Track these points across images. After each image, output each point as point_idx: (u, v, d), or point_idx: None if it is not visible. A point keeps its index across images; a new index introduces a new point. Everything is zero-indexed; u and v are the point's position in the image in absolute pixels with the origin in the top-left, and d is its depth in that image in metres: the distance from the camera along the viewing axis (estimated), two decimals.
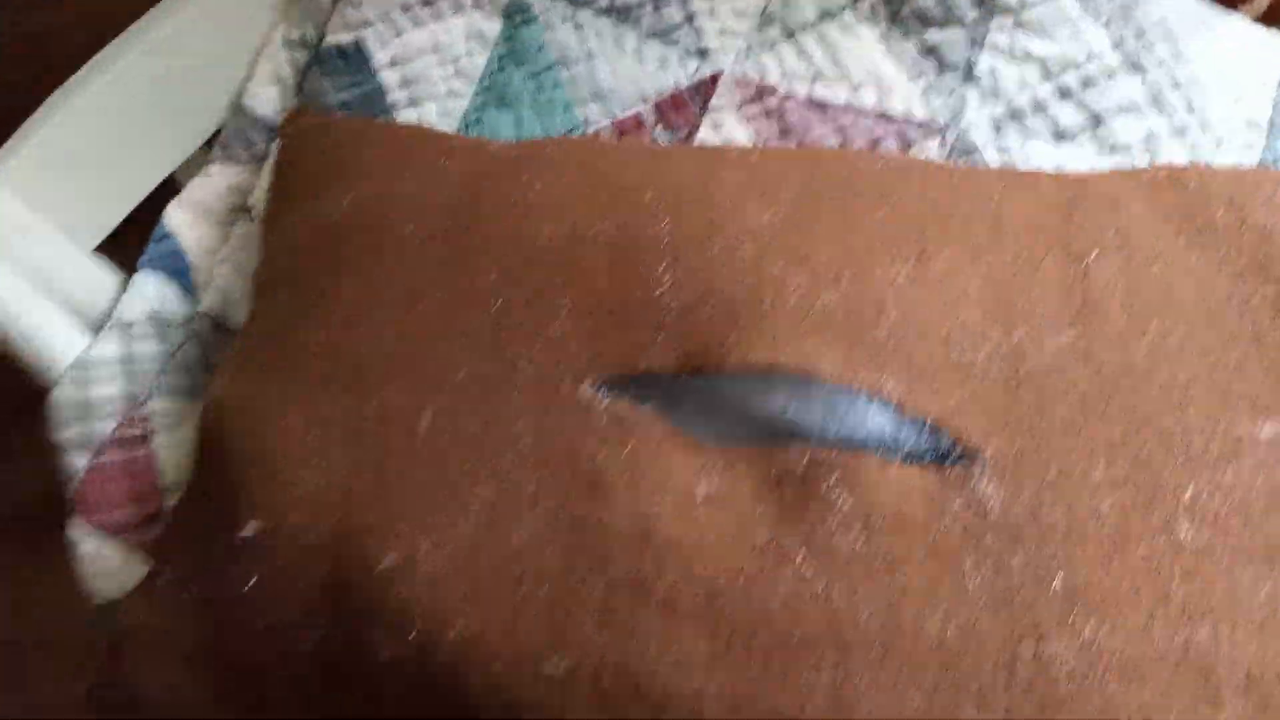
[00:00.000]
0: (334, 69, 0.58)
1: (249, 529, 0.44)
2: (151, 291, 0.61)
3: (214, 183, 0.62)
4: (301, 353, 0.46)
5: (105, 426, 0.58)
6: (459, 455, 0.42)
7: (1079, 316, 0.39)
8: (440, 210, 0.46)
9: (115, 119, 0.60)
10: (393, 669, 0.41)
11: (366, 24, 0.58)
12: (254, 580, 0.44)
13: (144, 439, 0.58)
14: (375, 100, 0.58)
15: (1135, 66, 0.51)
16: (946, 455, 0.38)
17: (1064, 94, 0.51)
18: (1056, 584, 0.36)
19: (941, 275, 0.40)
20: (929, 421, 0.38)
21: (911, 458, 0.38)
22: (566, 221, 0.44)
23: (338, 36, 0.58)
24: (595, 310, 0.42)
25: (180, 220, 0.62)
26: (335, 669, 0.42)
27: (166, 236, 0.62)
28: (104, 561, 0.57)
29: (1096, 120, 0.51)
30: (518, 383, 0.42)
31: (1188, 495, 0.37)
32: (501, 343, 0.43)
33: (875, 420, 0.38)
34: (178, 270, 0.62)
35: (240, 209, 0.62)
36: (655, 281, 0.41)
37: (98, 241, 0.62)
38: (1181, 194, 0.42)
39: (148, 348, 0.60)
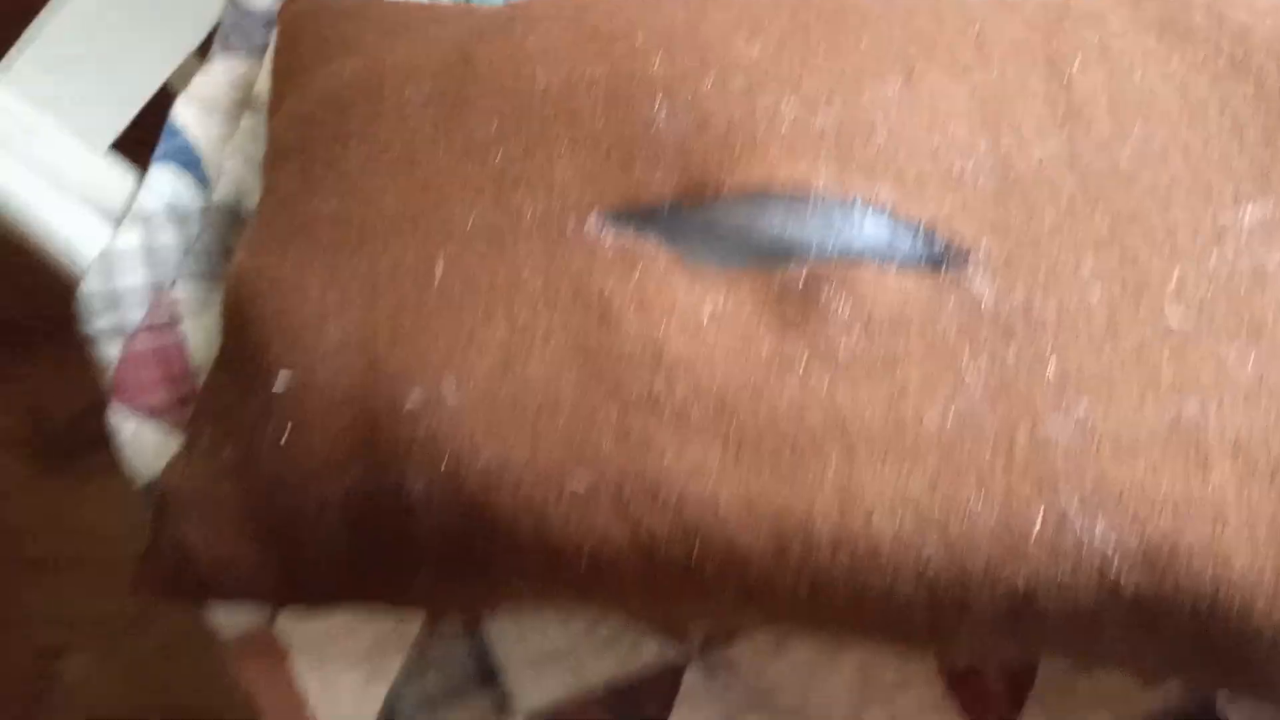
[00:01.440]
0: None
1: (279, 385, 0.45)
2: (166, 185, 0.62)
3: (217, 77, 0.63)
4: (313, 220, 0.47)
5: (134, 315, 0.60)
6: (472, 300, 0.43)
7: (1064, 125, 0.40)
8: (435, 73, 0.47)
9: (116, 18, 0.60)
10: (425, 502, 0.43)
11: None
12: (287, 434, 0.45)
13: (172, 324, 0.60)
14: None
15: None
16: (940, 257, 0.39)
17: None
18: (1050, 371, 0.38)
19: (928, 94, 0.41)
20: (922, 225, 0.39)
21: (907, 262, 0.39)
22: (560, 69, 0.44)
23: None
24: (594, 151, 0.43)
25: (188, 115, 0.63)
26: (371, 509, 0.44)
27: (176, 132, 0.63)
28: (143, 443, 0.58)
29: None
30: (524, 227, 0.43)
31: (1173, 283, 0.38)
32: (505, 191, 0.44)
33: (870, 227, 0.39)
34: (190, 163, 0.63)
35: (245, 101, 0.63)
36: (650, 118, 0.42)
37: (109, 141, 0.63)
38: (1161, 3, 0.43)
39: (168, 238, 0.61)
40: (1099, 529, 0.36)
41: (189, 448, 0.49)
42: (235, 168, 0.62)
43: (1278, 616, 0.37)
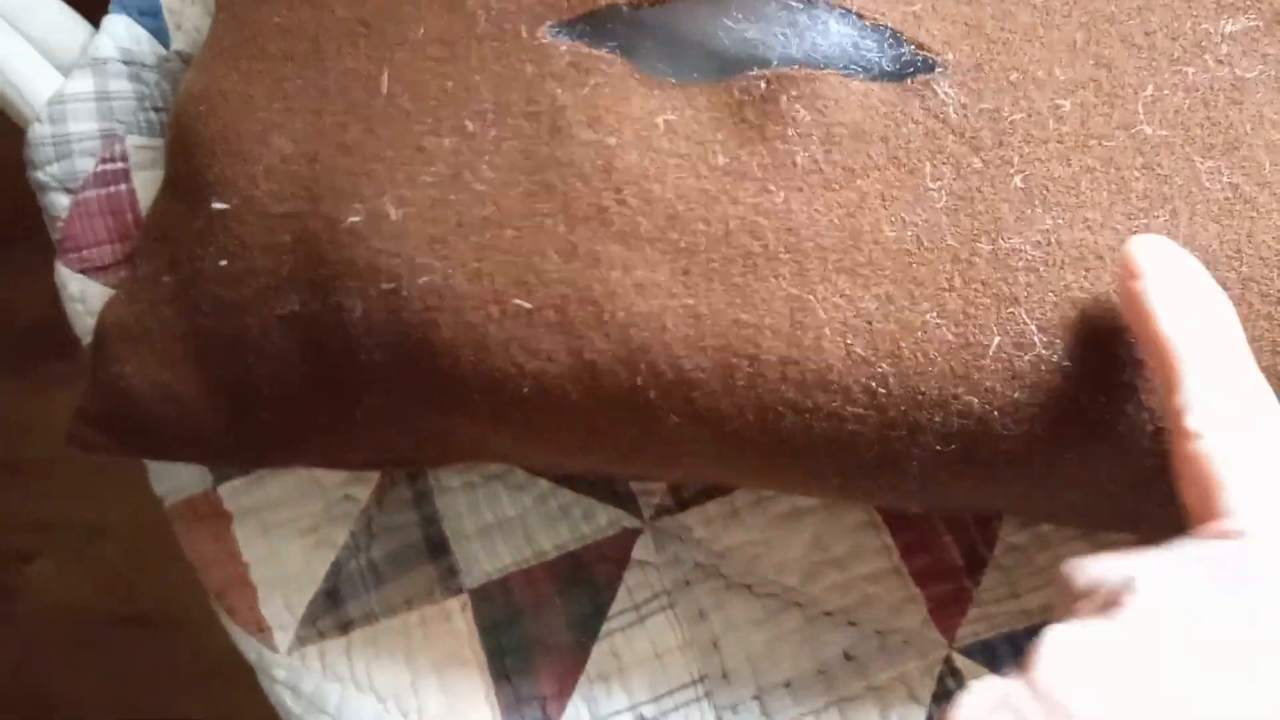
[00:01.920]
0: None
1: (220, 203, 0.43)
2: (123, 31, 0.60)
3: None
4: (261, 34, 0.45)
5: (85, 164, 0.58)
6: (420, 111, 0.41)
7: None
8: None
9: None
10: (365, 325, 0.41)
11: None
12: (227, 255, 0.43)
13: (123, 174, 0.58)
14: None
15: None
16: (907, 64, 0.37)
17: None
18: (1017, 181, 0.36)
19: None
20: (889, 29, 0.37)
21: (872, 68, 0.37)
22: None
23: None
24: None
25: None
26: (313, 332, 0.43)
27: None
28: (91, 301, 0.57)
29: None
30: (476, 34, 0.41)
31: (1149, 92, 0.36)
32: None
33: (837, 31, 0.37)
34: (149, 11, 0.61)
35: None
36: None
37: None
38: None
39: (122, 85, 0.59)
40: (1059, 346, 0.35)
41: (129, 279, 0.48)
42: (196, 18, 0.60)
43: None
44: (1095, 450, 0.36)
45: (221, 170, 0.44)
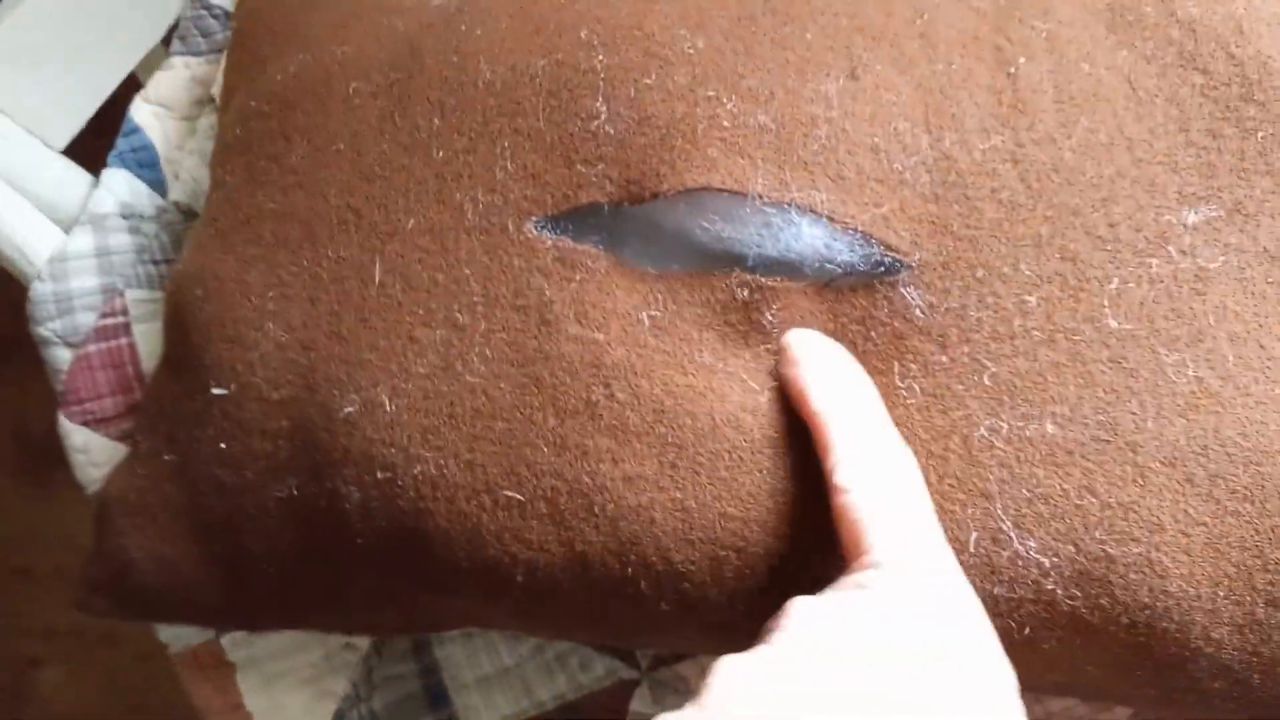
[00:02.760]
0: None
1: (218, 388, 0.45)
2: (122, 185, 0.62)
3: (177, 75, 0.63)
4: (256, 218, 0.47)
5: (86, 319, 0.60)
6: (411, 302, 0.43)
7: (1008, 120, 0.40)
8: (382, 66, 0.47)
9: (74, 15, 0.61)
10: (361, 511, 0.43)
11: None
12: (225, 438, 0.45)
13: (124, 328, 0.60)
14: None
15: None
16: (876, 265, 0.39)
17: None
18: (985, 378, 0.38)
19: (871, 89, 0.41)
20: (859, 232, 0.39)
21: (844, 267, 0.39)
22: (504, 63, 0.45)
23: None
24: (536, 148, 0.43)
25: (146, 113, 0.63)
26: (309, 515, 0.44)
27: (135, 130, 0.63)
28: (93, 452, 0.59)
29: None
30: (465, 227, 0.43)
31: (1114, 285, 0.38)
32: (447, 189, 0.44)
33: (808, 234, 0.39)
34: (147, 163, 0.63)
35: (204, 100, 0.63)
36: (592, 114, 0.42)
37: (66, 140, 0.63)
38: None
39: (122, 240, 0.62)
40: (1034, 543, 0.36)
41: (132, 453, 0.50)
42: (193, 168, 0.62)
43: (1217, 635, 0.37)
44: (1073, 640, 0.37)
45: (218, 355, 0.45)
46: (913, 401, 0.38)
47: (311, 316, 0.44)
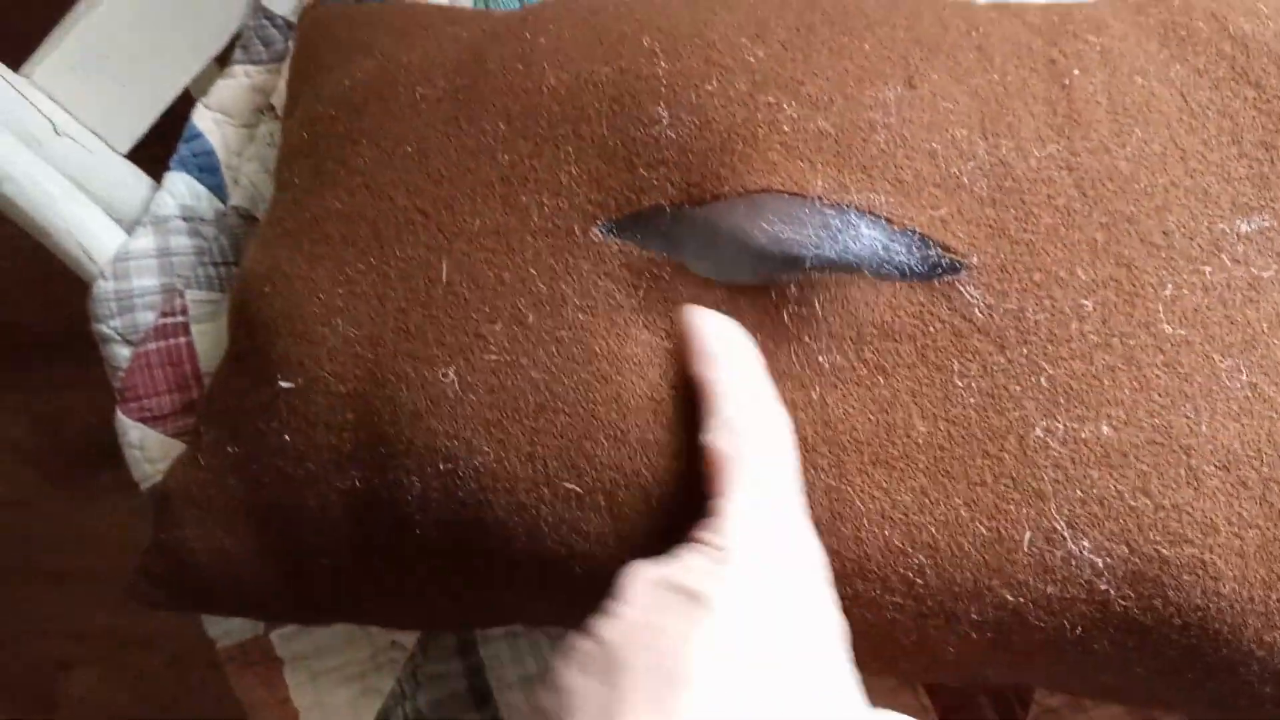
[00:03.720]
0: None
1: (285, 382, 0.47)
2: (184, 189, 0.65)
3: (238, 83, 0.66)
4: (323, 218, 0.49)
5: (146, 317, 0.62)
6: (478, 300, 0.45)
7: (1063, 129, 0.41)
8: (448, 72, 0.49)
9: (141, 21, 0.63)
10: (423, 500, 0.44)
11: None
12: (290, 430, 0.47)
13: (183, 328, 0.62)
14: None
15: None
16: (935, 266, 0.40)
17: None
18: (1042, 380, 0.39)
19: (929, 97, 0.42)
20: (917, 233, 0.40)
21: (903, 269, 0.40)
22: (569, 70, 0.46)
23: None
24: (600, 152, 0.45)
25: (208, 120, 0.65)
26: (370, 507, 0.46)
27: (196, 136, 0.65)
28: (149, 448, 0.61)
29: None
30: (530, 229, 0.45)
31: (1168, 291, 0.39)
32: (513, 192, 0.46)
33: (867, 235, 0.40)
34: (208, 168, 0.65)
35: (264, 108, 0.65)
36: (654, 119, 0.44)
37: (131, 144, 0.65)
38: (1165, 10, 0.44)
39: (182, 242, 0.64)
40: (1087, 543, 0.37)
41: (193, 446, 0.51)
42: (252, 174, 0.64)
43: (1270, 638, 0.37)
44: (1125, 641, 0.38)
45: (286, 350, 0.47)
46: (971, 400, 0.39)
47: (379, 313, 0.46)
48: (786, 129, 0.42)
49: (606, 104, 0.46)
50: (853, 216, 0.40)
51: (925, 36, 0.45)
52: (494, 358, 0.43)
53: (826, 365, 0.40)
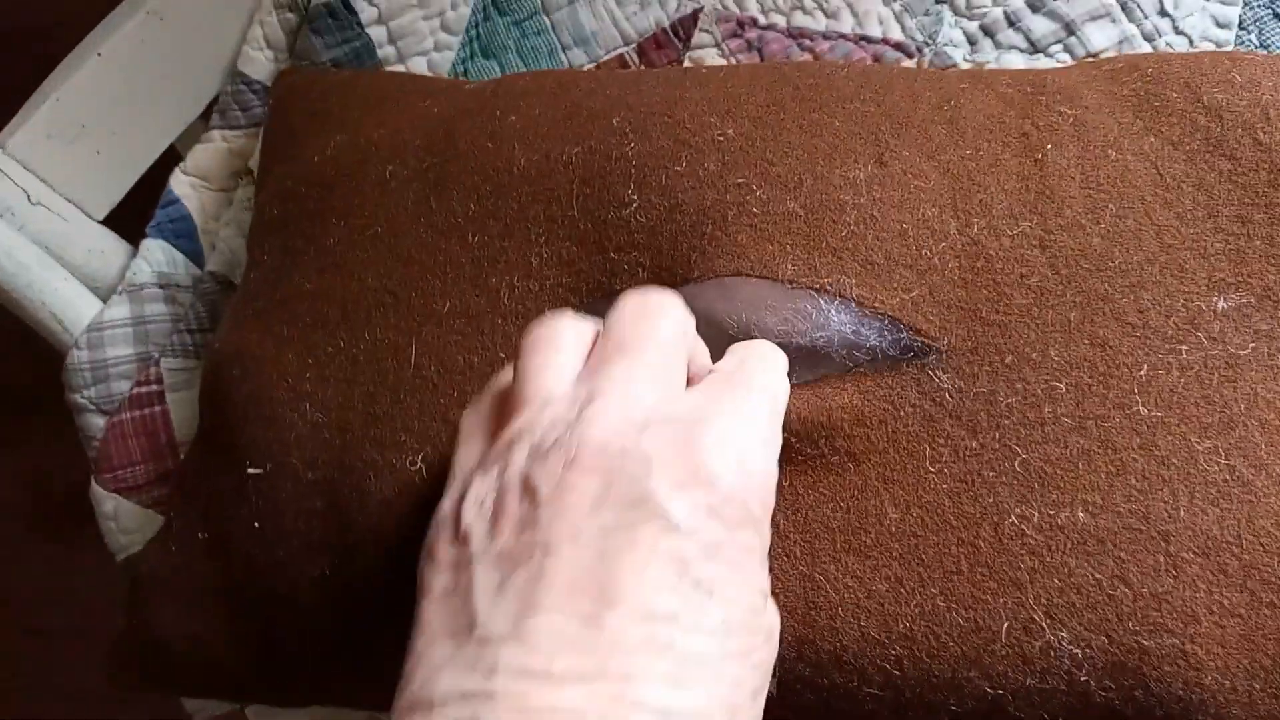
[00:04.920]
0: (323, 27, 0.62)
1: (254, 468, 0.47)
2: (160, 255, 0.65)
3: (215, 148, 0.66)
4: (293, 298, 0.49)
5: (121, 386, 0.62)
6: (446, 384, 0.45)
7: (1036, 206, 0.41)
8: (419, 150, 0.49)
9: (117, 89, 0.64)
10: (393, 592, 0.44)
11: None
12: (260, 517, 0.47)
13: (158, 396, 0.62)
14: (365, 56, 0.62)
15: None
16: (905, 350, 0.40)
17: (1035, 5, 0.53)
18: (1016, 464, 0.39)
19: (899, 175, 0.42)
20: (888, 318, 0.40)
21: (873, 354, 0.40)
22: (539, 150, 0.47)
23: None
24: (570, 235, 0.45)
25: (185, 185, 0.66)
26: (341, 595, 0.46)
27: (173, 201, 0.66)
28: (124, 519, 0.61)
29: (1069, 29, 0.53)
30: (500, 311, 0.45)
31: (1144, 372, 0.39)
32: (484, 272, 0.46)
33: (836, 320, 0.40)
34: (185, 234, 0.66)
35: (242, 173, 0.66)
36: (624, 201, 0.44)
37: (106, 211, 0.66)
38: (1139, 79, 0.44)
39: (158, 309, 0.64)
40: (1066, 633, 0.37)
41: (166, 529, 0.51)
42: (229, 239, 0.65)
43: None
44: None
45: (254, 435, 0.47)
46: (944, 487, 0.39)
47: (348, 398, 0.46)
48: (755, 210, 0.42)
49: (577, 185, 0.46)
50: (822, 302, 0.40)
51: (896, 111, 0.45)
52: None
53: (795, 454, 0.40)
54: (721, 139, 0.45)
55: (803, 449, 0.40)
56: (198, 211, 0.66)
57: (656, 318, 0.35)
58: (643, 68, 0.59)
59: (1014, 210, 0.41)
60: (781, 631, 0.38)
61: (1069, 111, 0.44)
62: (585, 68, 0.59)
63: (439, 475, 0.44)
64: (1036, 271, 0.40)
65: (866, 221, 0.42)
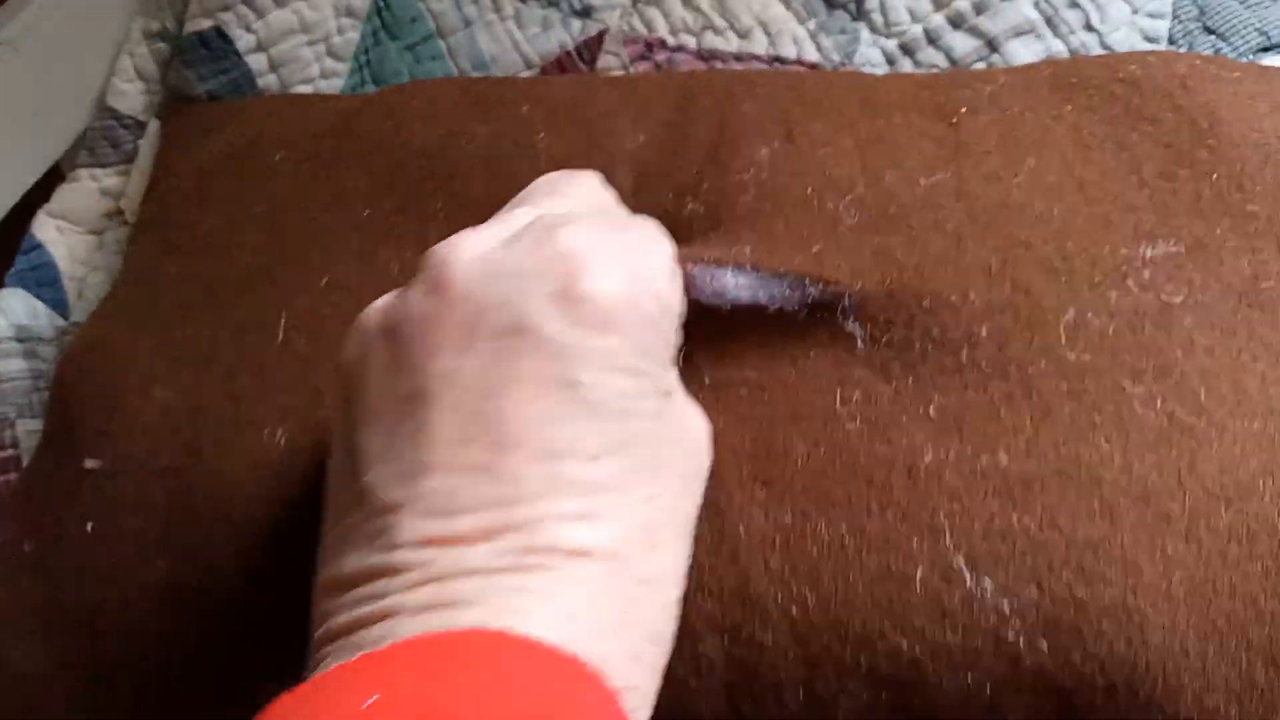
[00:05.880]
0: (197, 58, 0.63)
1: (91, 461, 0.46)
2: (19, 306, 0.64)
3: (83, 187, 0.67)
4: (158, 285, 0.50)
5: None
6: (317, 355, 0.45)
7: (951, 160, 0.43)
8: (312, 136, 0.51)
9: None
10: (241, 585, 0.43)
11: (225, 7, 0.63)
12: (94, 517, 0.45)
13: (13, 463, 0.60)
14: (244, 86, 0.63)
15: None
16: (813, 301, 0.41)
17: (956, 22, 0.57)
18: (931, 409, 0.39)
19: (806, 147, 0.45)
20: (790, 275, 0.41)
21: (774, 304, 0.41)
22: (441, 126, 0.49)
23: (197, 23, 0.64)
24: (471, 211, 0.46)
25: (50, 228, 0.66)
26: (179, 599, 0.44)
27: (36, 247, 0.66)
28: None
29: (991, 46, 0.56)
30: (389, 284, 0.45)
31: (1070, 316, 0.40)
32: (371, 246, 0.47)
33: (732, 281, 0.41)
34: (48, 281, 0.65)
35: (113, 213, 0.66)
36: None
37: None
38: (1054, 66, 0.47)
39: (16, 365, 0.63)
40: (990, 582, 0.36)
41: None
42: (99, 285, 0.64)
43: (1211, 703, 0.36)
44: (1041, 706, 0.36)
45: (96, 425, 0.46)
46: (851, 427, 0.39)
47: (204, 379, 0.46)
48: (659, 215, 0.44)
49: (480, 163, 0.48)
50: (714, 269, 0.41)
51: (809, 95, 0.47)
52: (329, 413, 0.43)
53: (708, 380, 0.41)
54: (631, 146, 0.47)
55: (710, 372, 0.41)
56: (64, 257, 0.66)
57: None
58: None
59: (928, 163, 0.43)
60: (691, 565, 0.37)
61: (984, 87, 0.46)
62: None
63: (302, 446, 0.43)
64: (953, 218, 0.42)
65: (766, 195, 0.44)
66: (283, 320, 0.46)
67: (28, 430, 0.61)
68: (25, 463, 0.61)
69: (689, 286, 0.41)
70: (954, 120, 0.45)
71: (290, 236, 0.48)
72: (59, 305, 0.65)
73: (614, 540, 0.30)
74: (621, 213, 0.37)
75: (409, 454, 0.30)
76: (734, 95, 0.48)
